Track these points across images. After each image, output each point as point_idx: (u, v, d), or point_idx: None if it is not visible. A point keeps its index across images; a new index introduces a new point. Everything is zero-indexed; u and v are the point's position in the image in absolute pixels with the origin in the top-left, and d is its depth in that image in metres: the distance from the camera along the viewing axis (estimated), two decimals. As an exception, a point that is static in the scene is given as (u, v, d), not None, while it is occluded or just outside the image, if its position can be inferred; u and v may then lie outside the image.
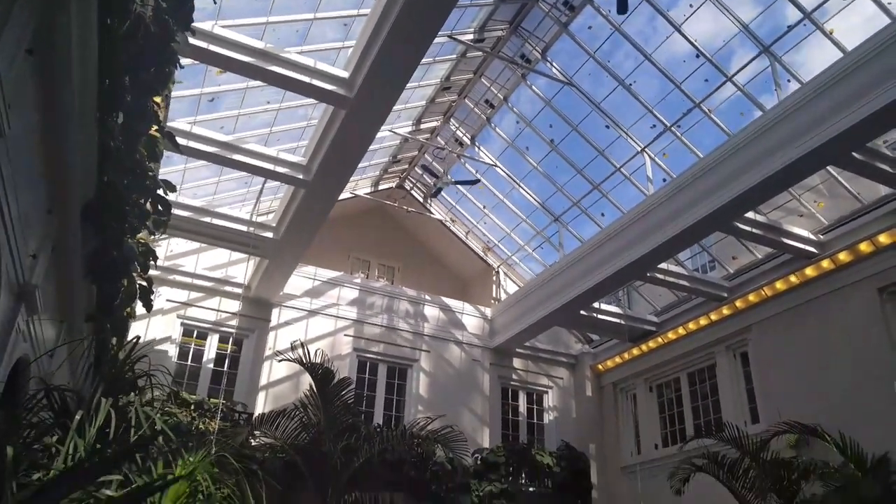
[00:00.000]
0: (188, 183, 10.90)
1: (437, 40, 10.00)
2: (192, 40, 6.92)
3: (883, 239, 8.70)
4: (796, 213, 9.99)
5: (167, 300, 11.13)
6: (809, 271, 9.62)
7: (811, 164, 7.90)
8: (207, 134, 8.58)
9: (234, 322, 11.50)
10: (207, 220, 10.03)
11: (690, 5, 8.81)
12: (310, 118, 10.11)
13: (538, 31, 10.39)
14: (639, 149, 10.65)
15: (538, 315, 12.16)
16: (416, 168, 14.53)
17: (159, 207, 5.32)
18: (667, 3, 9.15)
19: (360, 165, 13.20)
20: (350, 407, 10.44)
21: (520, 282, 14.78)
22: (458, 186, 13.17)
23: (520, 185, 12.94)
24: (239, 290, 11.51)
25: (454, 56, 11.16)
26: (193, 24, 6.86)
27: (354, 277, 13.63)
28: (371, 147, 12.58)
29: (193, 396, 10.28)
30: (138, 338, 4.67)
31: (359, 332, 12.53)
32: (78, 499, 2.77)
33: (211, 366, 11.36)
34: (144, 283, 6.15)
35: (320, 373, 9.91)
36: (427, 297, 13.53)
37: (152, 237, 10.66)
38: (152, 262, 6.47)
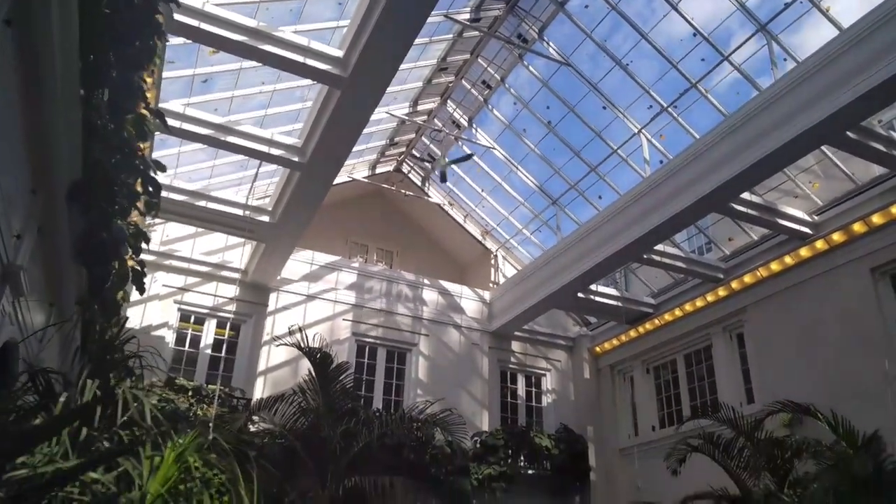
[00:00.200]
0: (183, 166, 10.81)
1: (433, 20, 9.87)
2: (183, 18, 6.81)
3: (876, 219, 8.70)
4: (791, 194, 9.96)
5: (164, 285, 11.09)
6: (804, 252, 9.60)
7: (806, 143, 7.86)
8: (201, 116, 8.48)
9: (231, 307, 11.47)
10: (203, 204, 9.95)
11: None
12: (305, 100, 9.99)
13: (535, 11, 10.24)
14: (636, 130, 10.55)
15: (536, 298, 12.14)
16: (413, 151, 14.42)
17: (149, 188, 5.23)
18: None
19: (357, 149, 13.16)
20: (349, 391, 10.44)
21: (518, 265, 14.75)
22: (455, 167, 13.06)
23: (518, 168, 12.85)
24: (236, 275, 11.46)
25: (451, 36, 11.01)
26: (183, 1, 6.79)
27: (352, 262, 13.58)
28: (368, 130, 12.53)
29: (191, 382, 10.27)
30: (126, 318, 4.59)
31: (357, 316, 12.50)
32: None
33: (209, 351, 11.34)
34: (137, 266, 6.10)
35: (318, 357, 9.88)
36: (426, 281, 13.50)
37: (147, 221, 10.64)
38: (144, 245, 6.42)
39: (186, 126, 8.30)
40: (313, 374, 10.05)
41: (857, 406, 7.81)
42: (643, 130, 10.49)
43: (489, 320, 13.64)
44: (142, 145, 4.88)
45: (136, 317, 10.68)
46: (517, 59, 11.23)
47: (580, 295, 12.00)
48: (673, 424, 11.40)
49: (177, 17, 6.72)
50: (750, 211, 9.38)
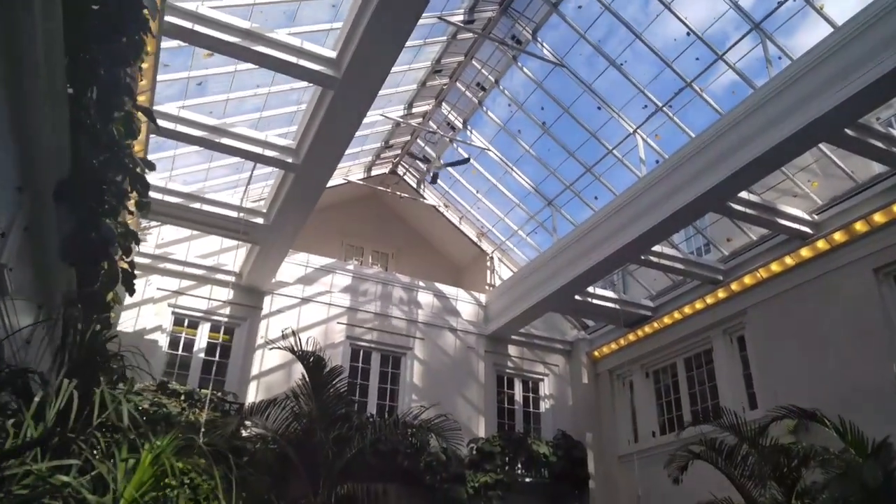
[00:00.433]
0: (178, 169, 10.75)
1: (426, 21, 9.88)
2: (177, 20, 6.78)
3: (878, 218, 8.62)
4: (790, 193, 9.91)
5: (158, 288, 10.99)
6: (805, 252, 9.53)
7: (804, 140, 7.81)
8: (195, 118, 8.43)
9: (226, 311, 11.37)
10: (197, 206, 9.89)
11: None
12: (300, 102, 9.96)
13: (528, 12, 10.23)
14: (631, 130, 10.52)
15: (533, 300, 12.06)
16: (408, 153, 14.39)
17: (138, 187, 5.15)
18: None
19: (352, 151, 13.13)
20: (342, 396, 10.31)
21: (514, 267, 14.69)
22: (450, 169, 13.02)
23: (513, 169, 12.81)
24: (231, 278, 11.38)
25: (445, 38, 11.00)
26: (178, 4, 6.75)
27: (347, 264, 13.50)
28: (363, 132, 12.52)
29: (184, 387, 10.16)
30: (108, 317, 4.49)
31: (352, 319, 12.41)
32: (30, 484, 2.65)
33: (202, 355, 11.23)
34: (127, 267, 6.02)
35: (311, 361, 9.77)
36: (421, 283, 13.41)
37: (141, 225, 10.56)
38: (139, 248, 6.34)
39: (181, 128, 8.26)
40: (307, 378, 9.94)
41: (864, 411, 7.63)
42: (638, 130, 10.47)
43: (485, 323, 13.55)
44: (131, 143, 4.81)
45: (130, 320, 10.59)
46: (511, 60, 11.21)
47: (577, 297, 11.92)
48: (674, 430, 11.27)
49: (171, 19, 6.70)
50: (748, 210, 9.32)
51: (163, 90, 8.45)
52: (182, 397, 9.93)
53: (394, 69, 10.14)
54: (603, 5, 9.26)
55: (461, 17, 10.25)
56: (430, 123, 13.25)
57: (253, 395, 10.84)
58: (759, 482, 7.75)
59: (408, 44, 9.87)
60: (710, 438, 8.34)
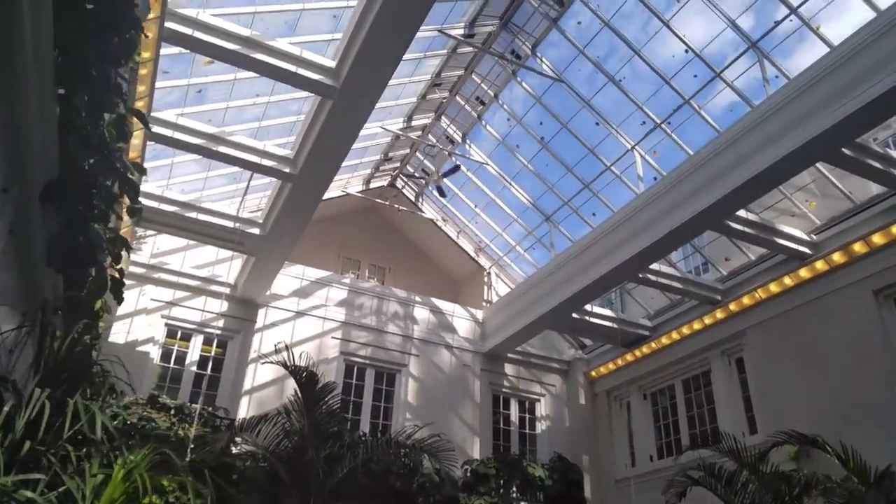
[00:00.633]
0: (176, 177, 10.69)
1: (427, 35, 9.90)
2: (177, 26, 6.76)
3: (877, 239, 8.56)
4: (788, 212, 9.86)
5: (152, 299, 10.84)
6: (804, 273, 9.44)
7: (802, 159, 7.78)
8: (193, 125, 8.37)
9: (219, 323, 11.20)
10: (193, 215, 9.79)
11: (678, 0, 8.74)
12: (300, 113, 9.94)
13: (528, 27, 10.28)
14: (629, 146, 10.50)
15: (530, 318, 11.91)
16: (407, 166, 14.37)
17: (129, 191, 5.05)
18: (662, 7, 9.06)
19: (351, 163, 13.11)
20: (335, 413, 10.08)
21: (511, 283, 14.57)
22: (448, 182, 12.98)
23: (511, 184, 12.77)
24: (225, 290, 11.23)
25: (445, 51, 11.03)
26: (179, 10, 6.73)
27: (343, 277, 13.36)
28: (362, 144, 12.50)
29: (174, 401, 9.95)
30: (86, 323, 4.35)
31: (347, 334, 12.23)
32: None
33: (194, 369, 11.04)
34: (116, 275, 5.89)
35: (304, 376, 9.57)
36: (417, 298, 13.27)
37: (137, 233, 10.44)
38: (126, 254, 6.21)
39: (178, 135, 8.20)
40: (299, 394, 9.73)
41: (866, 436, 7.47)
42: (637, 147, 10.45)
43: (482, 340, 13.38)
44: (122, 146, 4.72)
45: (123, 331, 10.43)
46: (511, 75, 11.23)
47: (575, 315, 11.78)
48: (672, 454, 11.06)
49: (171, 25, 6.67)
50: (746, 229, 9.26)
51: (162, 97, 8.42)
52: (172, 411, 9.71)
53: (394, 82, 10.17)
54: (602, 21, 9.29)
55: (461, 31, 10.29)
56: (430, 137, 13.25)
57: (245, 411, 10.61)
58: (761, 511, 7.54)
59: (408, 56, 9.94)
60: (710, 464, 8.12)
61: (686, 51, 8.98)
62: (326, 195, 9.43)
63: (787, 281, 9.67)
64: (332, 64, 7.27)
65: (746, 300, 10.28)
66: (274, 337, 11.18)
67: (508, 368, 13.43)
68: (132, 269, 10.68)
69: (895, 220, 8.42)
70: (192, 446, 8.57)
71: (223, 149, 8.47)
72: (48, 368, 3.64)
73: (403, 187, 15.06)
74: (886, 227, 8.46)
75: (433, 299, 13.48)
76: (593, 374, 13.44)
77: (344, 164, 9.06)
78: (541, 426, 13.34)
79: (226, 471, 9.08)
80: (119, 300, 5.85)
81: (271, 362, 9.75)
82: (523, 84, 11.28)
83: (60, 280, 5.20)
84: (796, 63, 8.31)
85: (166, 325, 11.01)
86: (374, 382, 12.26)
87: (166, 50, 7.05)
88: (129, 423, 8.90)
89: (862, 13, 7.57)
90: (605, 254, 10.29)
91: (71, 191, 4.43)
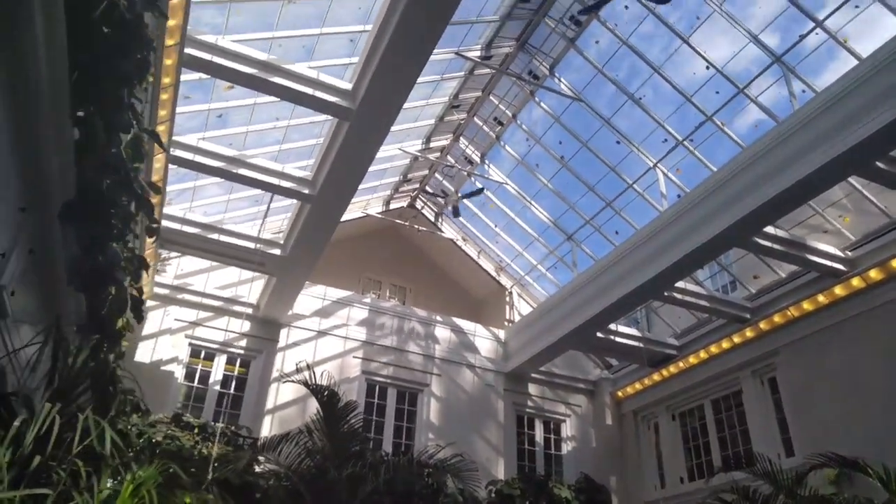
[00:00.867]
0: (198, 200, 10.93)
1: (444, 57, 10.00)
2: (196, 52, 6.97)
3: (917, 255, 8.19)
4: (820, 229, 9.52)
5: (175, 319, 11.03)
6: (839, 290, 9.07)
7: (832, 173, 7.50)
8: (214, 148, 8.58)
9: (242, 343, 11.32)
10: (215, 236, 9.97)
11: (697, 17, 8.64)
12: (319, 135, 10.09)
13: (545, 47, 10.28)
14: (651, 164, 10.34)
15: (553, 337, 11.72)
16: (426, 187, 14.44)
17: (145, 211, 5.17)
18: (682, 27, 8.97)
19: (371, 184, 13.23)
20: (357, 432, 10.03)
21: (533, 303, 14.39)
22: (468, 203, 12.97)
23: (531, 203, 12.69)
24: (248, 310, 11.37)
25: (462, 73, 11.11)
26: (198, 37, 6.95)
27: (364, 297, 13.40)
28: (382, 166, 12.62)
29: (198, 420, 10.05)
30: (100, 339, 4.42)
31: (368, 354, 12.22)
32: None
33: (217, 388, 11.15)
34: (136, 294, 6.00)
35: (326, 395, 9.57)
36: (438, 318, 13.21)
37: (161, 255, 10.67)
38: (145, 273, 6.33)
39: (199, 158, 8.39)
40: (321, 413, 9.73)
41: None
42: (659, 164, 10.28)
43: (504, 360, 13.21)
44: (138, 166, 4.85)
45: (147, 351, 10.62)
46: (528, 95, 11.23)
47: (599, 335, 11.55)
48: (703, 476, 10.66)
49: (190, 51, 6.88)
50: (776, 246, 8.95)
51: (184, 122, 8.65)
52: (196, 430, 9.81)
53: (412, 104, 10.28)
54: (620, 40, 9.24)
55: (478, 53, 10.35)
56: (448, 158, 13.31)
57: (267, 430, 10.65)
58: (798, 536, 7.21)
59: (426, 79, 10.04)
60: (743, 487, 7.86)
61: (707, 67, 8.84)
62: (347, 216, 9.51)
63: (821, 299, 9.31)
64: (348, 86, 7.38)
65: (778, 318, 9.93)
66: (296, 356, 11.24)
67: (532, 388, 13.21)
68: (157, 290, 10.91)
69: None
70: (214, 464, 8.63)
71: (242, 171, 8.63)
72: (61, 383, 3.69)
73: (423, 207, 15.12)
74: (925, 243, 8.12)
75: (454, 319, 13.39)
76: (620, 394, 13.12)
77: (363, 185, 9.14)
78: (566, 447, 13.04)
79: (248, 489, 9.10)
80: (139, 319, 5.95)
81: (293, 381, 9.80)
82: (542, 104, 11.27)
83: (83, 299, 5.32)
84: (824, 80, 8.08)
85: (190, 344, 11.17)
86: (397, 402, 12.18)
87: (187, 76, 7.26)
88: (154, 440, 9.01)
89: (893, 25, 7.36)
90: (629, 272, 10.09)
91: (89, 210, 4.55)
